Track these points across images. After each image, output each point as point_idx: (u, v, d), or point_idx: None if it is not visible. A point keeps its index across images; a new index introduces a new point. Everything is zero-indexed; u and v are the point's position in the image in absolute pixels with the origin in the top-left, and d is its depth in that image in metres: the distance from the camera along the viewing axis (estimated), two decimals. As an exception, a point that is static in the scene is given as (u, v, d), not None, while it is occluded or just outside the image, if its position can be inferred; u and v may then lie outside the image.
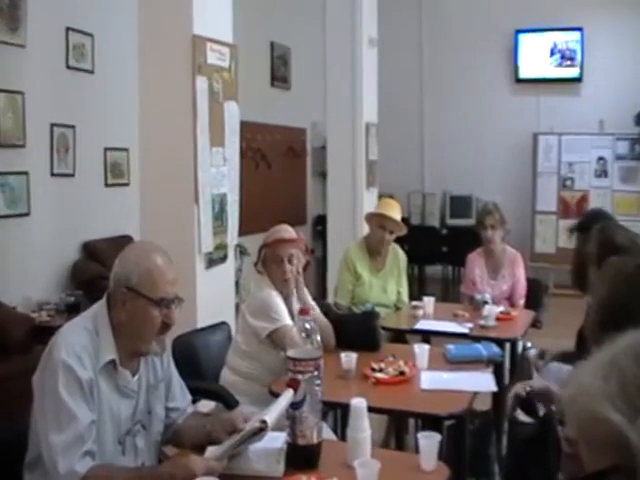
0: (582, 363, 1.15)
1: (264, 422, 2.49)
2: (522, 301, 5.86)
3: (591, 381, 1.09)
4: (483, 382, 3.66)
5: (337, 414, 4.40)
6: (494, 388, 3.64)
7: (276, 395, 3.18)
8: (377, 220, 5.55)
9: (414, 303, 5.47)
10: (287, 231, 4.20)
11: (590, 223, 3.59)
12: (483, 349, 4.13)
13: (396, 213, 5.52)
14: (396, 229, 5.53)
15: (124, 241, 6.27)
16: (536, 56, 11.62)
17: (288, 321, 3.97)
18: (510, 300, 5.83)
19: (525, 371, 3.89)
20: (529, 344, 4.97)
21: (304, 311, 2.79)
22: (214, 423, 2.72)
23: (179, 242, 4.77)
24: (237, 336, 4.20)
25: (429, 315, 5.32)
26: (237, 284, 7.16)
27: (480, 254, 6.00)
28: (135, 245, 2.87)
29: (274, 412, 2.55)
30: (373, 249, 5.63)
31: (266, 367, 3.99)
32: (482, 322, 4.98)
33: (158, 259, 2.59)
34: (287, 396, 2.60)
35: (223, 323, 4.69)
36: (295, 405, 2.60)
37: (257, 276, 4.25)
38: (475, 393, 3.52)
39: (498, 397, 4.42)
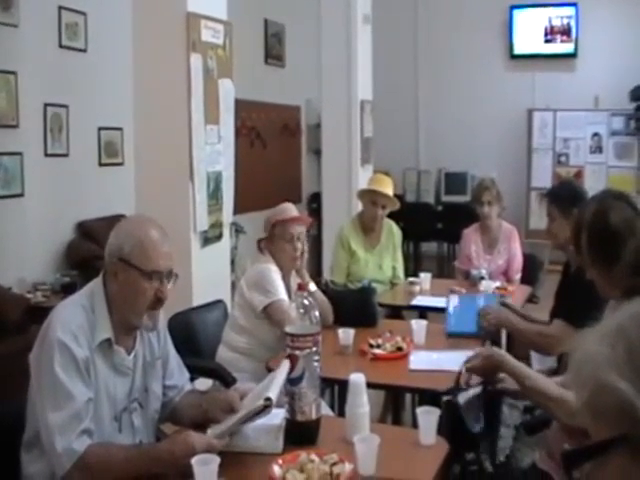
0: (588, 331, 1.14)
1: (268, 399, 2.48)
2: (518, 276, 5.87)
3: (597, 349, 1.08)
4: None
5: (334, 390, 4.40)
6: None
7: (273, 372, 3.19)
8: (369, 196, 5.54)
9: (411, 279, 5.48)
10: (297, 210, 4.23)
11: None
12: (483, 301, 4.17)
13: (388, 188, 5.50)
14: (388, 204, 5.53)
15: (119, 220, 6.24)
16: (531, 32, 11.58)
17: (284, 296, 3.97)
18: (506, 275, 5.84)
19: None
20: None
21: (302, 287, 2.78)
22: (210, 402, 2.72)
23: (174, 221, 4.75)
24: (234, 311, 4.20)
25: (426, 291, 5.34)
26: (232, 262, 7.16)
27: (476, 230, 6.00)
28: (130, 218, 2.83)
29: (275, 387, 2.54)
30: (367, 226, 5.62)
31: (262, 343, 4.01)
32: (479, 298, 4.98)
33: (152, 232, 2.57)
34: (284, 368, 2.60)
35: (219, 301, 4.69)
36: (294, 381, 2.60)
37: (256, 254, 4.26)
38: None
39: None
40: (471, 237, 5.98)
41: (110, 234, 2.60)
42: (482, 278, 5.29)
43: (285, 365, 2.61)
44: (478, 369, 2.94)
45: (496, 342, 4.41)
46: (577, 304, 3.12)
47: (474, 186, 6.15)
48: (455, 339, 3.99)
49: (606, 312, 2.75)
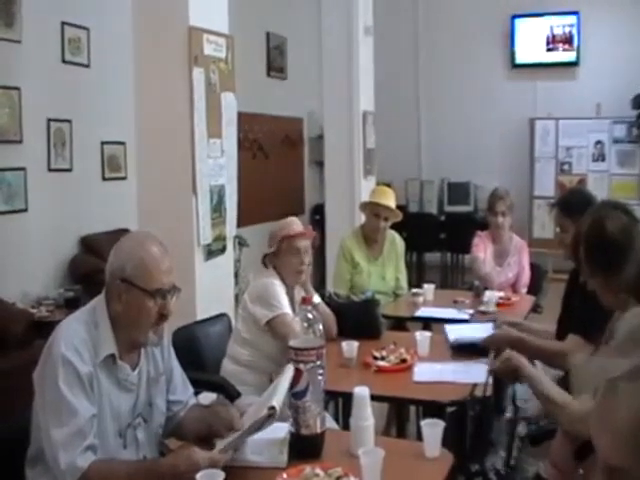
0: (610, 364, 1.11)
1: (272, 408, 2.48)
2: (525, 289, 5.86)
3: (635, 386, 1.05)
4: (477, 374, 3.62)
5: (338, 403, 4.40)
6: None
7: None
8: (371, 208, 5.56)
9: (414, 290, 5.47)
10: (301, 225, 4.23)
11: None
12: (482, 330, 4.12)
13: (390, 200, 5.52)
14: (391, 216, 5.53)
15: (122, 235, 6.23)
16: (532, 41, 11.60)
17: (287, 310, 3.97)
18: (513, 287, 5.83)
19: None
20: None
21: (306, 300, 2.79)
22: (213, 416, 2.72)
23: (178, 234, 4.77)
24: (238, 324, 4.20)
25: (429, 302, 5.33)
26: (236, 275, 7.16)
27: (488, 237, 5.98)
28: (129, 236, 2.79)
29: (279, 395, 2.54)
30: (369, 237, 5.63)
31: (266, 355, 4.00)
32: (482, 308, 4.98)
33: (152, 249, 2.56)
34: (287, 375, 2.60)
35: (223, 314, 4.68)
36: (298, 395, 2.60)
37: (259, 267, 4.26)
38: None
39: (498, 383, 4.41)
40: (483, 242, 5.96)
41: (110, 254, 2.60)
42: (486, 288, 5.29)
43: (288, 372, 2.61)
44: (498, 371, 3.03)
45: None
46: (592, 318, 3.08)
47: (488, 195, 6.10)
48: (459, 352, 3.97)
49: (611, 324, 2.74)
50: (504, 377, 3.13)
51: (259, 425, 2.53)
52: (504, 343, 3.94)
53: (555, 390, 2.71)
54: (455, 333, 4.17)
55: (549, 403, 2.72)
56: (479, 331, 4.07)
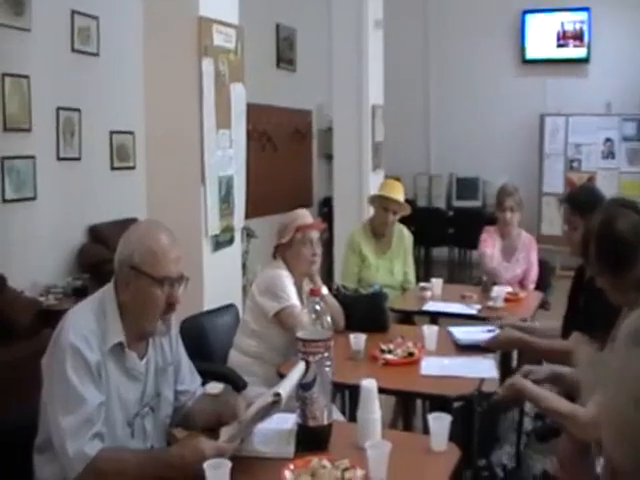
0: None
1: (278, 395, 2.48)
2: (532, 286, 5.83)
3: None
4: (484, 369, 3.62)
5: (345, 395, 4.39)
6: (495, 375, 3.61)
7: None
8: (380, 202, 5.53)
9: (422, 284, 5.45)
10: (310, 216, 4.23)
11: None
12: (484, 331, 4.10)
13: (399, 194, 5.49)
14: (399, 210, 5.51)
15: (130, 224, 6.23)
16: (543, 37, 11.57)
17: (295, 301, 3.97)
18: (521, 283, 5.81)
19: None
20: None
21: (314, 292, 2.78)
22: (221, 407, 2.72)
23: (186, 225, 4.76)
24: (245, 316, 4.20)
25: (437, 296, 5.30)
26: (244, 266, 7.16)
27: (496, 232, 5.95)
28: (138, 225, 2.79)
29: (287, 385, 2.54)
30: (378, 231, 5.61)
31: (273, 347, 4.01)
32: (490, 303, 4.96)
33: (161, 237, 2.55)
34: (299, 369, 2.59)
35: (231, 305, 4.68)
36: (305, 386, 2.59)
37: (267, 258, 4.26)
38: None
39: (506, 379, 4.41)
40: (491, 237, 5.92)
41: (119, 242, 2.59)
42: (494, 283, 5.27)
43: (300, 366, 2.60)
44: (502, 398, 3.03)
45: (507, 352, 4.40)
46: (597, 316, 3.07)
47: (497, 191, 6.06)
48: (466, 350, 3.96)
49: (620, 321, 2.73)
50: (509, 402, 3.13)
51: (264, 412, 2.53)
52: (508, 345, 3.96)
53: (561, 403, 2.71)
54: (460, 335, 4.15)
55: (558, 416, 2.73)
56: (483, 333, 4.07)
